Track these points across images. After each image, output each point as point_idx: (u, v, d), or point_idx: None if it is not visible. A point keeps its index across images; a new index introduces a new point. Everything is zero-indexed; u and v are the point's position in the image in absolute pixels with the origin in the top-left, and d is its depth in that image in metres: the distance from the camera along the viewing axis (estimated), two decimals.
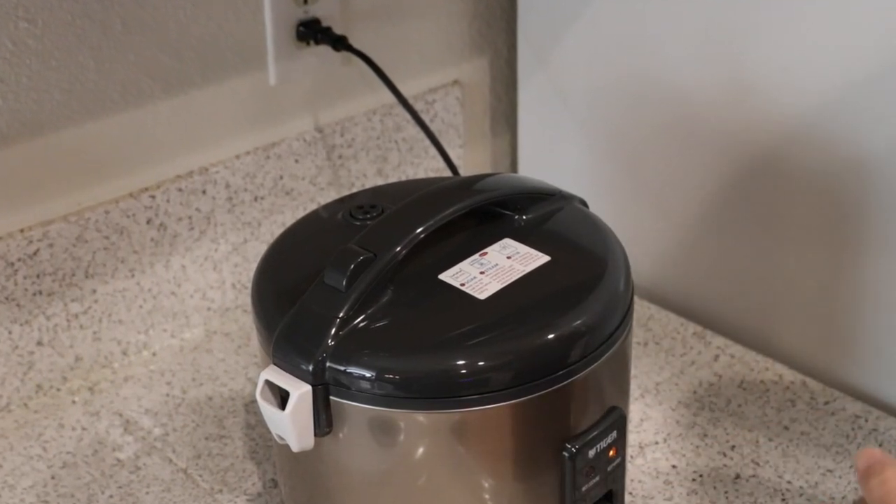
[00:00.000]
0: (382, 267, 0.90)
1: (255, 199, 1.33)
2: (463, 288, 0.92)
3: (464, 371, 0.87)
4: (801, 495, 1.09)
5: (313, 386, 0.87)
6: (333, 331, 0.88)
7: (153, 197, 1.25)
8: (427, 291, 0.92)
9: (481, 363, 0.87)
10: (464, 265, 0.94)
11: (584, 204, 1.05)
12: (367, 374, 0.87)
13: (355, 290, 0.89)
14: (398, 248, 0.91)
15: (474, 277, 0.93)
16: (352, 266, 0.90)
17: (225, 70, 1.28)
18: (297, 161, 1.35)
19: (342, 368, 0.87)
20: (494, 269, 0.94)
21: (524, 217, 1.00)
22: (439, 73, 1.46)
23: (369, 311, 0.89)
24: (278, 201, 1.35)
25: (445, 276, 0.93)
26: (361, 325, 0.89)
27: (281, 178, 1.34)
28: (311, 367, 0.87)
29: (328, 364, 0.87)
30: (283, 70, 1.31)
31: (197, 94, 1.27)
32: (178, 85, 1.25)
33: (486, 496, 0.92)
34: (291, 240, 1.02)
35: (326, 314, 0.89)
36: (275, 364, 0.89)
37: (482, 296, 0.91)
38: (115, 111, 1.22)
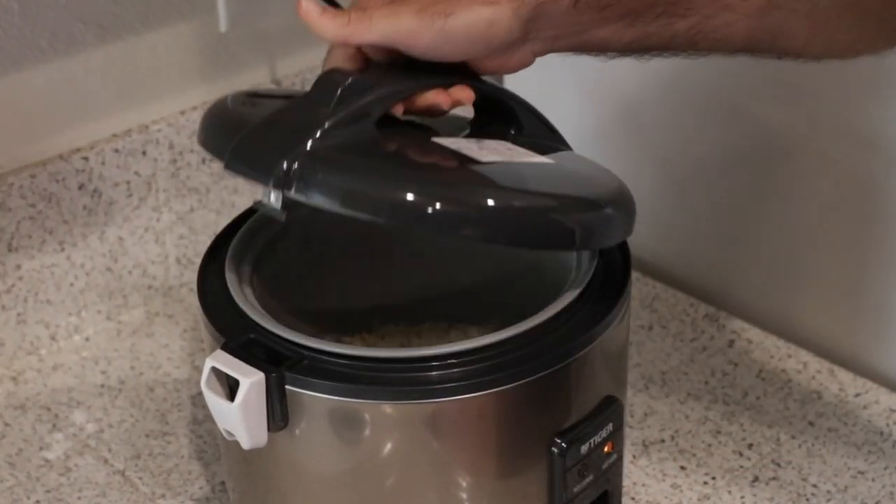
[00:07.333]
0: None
1: (203, 161, 1.32)
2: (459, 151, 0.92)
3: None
4: (828, 500, 1.09)
5: (267, 375, 0.87)
6: (309, 144, 0.87)
7: (86, 159, 1.25)
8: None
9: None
10: (461, 140, 0.95)
11: None
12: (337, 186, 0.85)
13: (340, 108, 0.89)
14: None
15: (471, 149, 0.93)
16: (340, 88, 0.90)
17: (168, 13, 1.27)
18: None
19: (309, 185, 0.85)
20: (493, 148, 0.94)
21: (521, 135, 1.00)
22: None
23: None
24: None
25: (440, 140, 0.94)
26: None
27: None
28: (280, 172, 0.85)
29: (295, 179, 0.85)
30: (235, 13, 1.31)
31: (136, 41, 1.26)
32: (114, 31, 1.25)
33: (465, 498, 0.92)
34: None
35: (305, 123, 0.88)
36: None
37: (484, 159, 0.91)
38: (43, 60, 1.21)
